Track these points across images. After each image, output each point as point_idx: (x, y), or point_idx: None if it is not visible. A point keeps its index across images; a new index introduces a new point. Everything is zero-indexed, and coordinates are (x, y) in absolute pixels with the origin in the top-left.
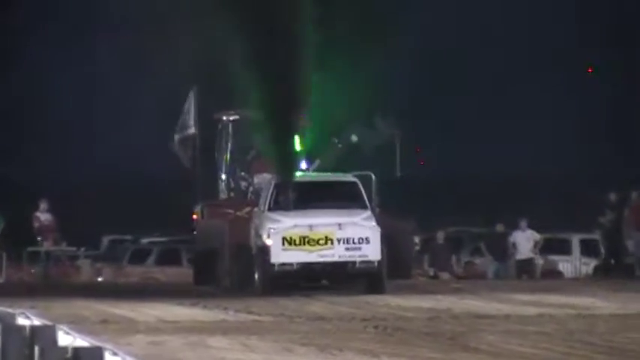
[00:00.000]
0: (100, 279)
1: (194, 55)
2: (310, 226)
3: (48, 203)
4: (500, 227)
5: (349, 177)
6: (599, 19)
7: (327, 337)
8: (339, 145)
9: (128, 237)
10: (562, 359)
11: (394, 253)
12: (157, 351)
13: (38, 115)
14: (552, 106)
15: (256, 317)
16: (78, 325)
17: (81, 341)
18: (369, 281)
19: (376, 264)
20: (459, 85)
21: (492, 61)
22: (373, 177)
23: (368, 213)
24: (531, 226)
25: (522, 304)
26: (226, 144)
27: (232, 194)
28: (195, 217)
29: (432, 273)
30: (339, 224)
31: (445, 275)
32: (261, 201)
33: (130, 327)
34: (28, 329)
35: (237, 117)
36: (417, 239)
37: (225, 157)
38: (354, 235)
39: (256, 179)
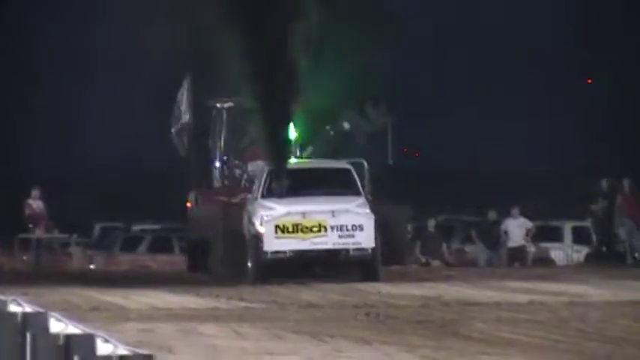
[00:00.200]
0: (91, 266)
1: (187, 43)
2: (303, 214)
3: (40, 190)
4: (492, 215)
5: (343, 164)
6: (595, 18)
7: (318, 324)
8: (331, 133)
9: (120, 224)
10: (553, 347)
11: (389, 239)
12: (148, 338)
13: (30, 103)
14: (546, 97)
15: (248, 304)
16: (70, 312)
17: (73, 328)
18: (363, 269)
19: (370, 251)
20: (453, 75)
21: (487, 51)
22: (365, 164)
23: (362, 200)
24: (523, 214)
25: (514, 291)
26: (220, 131)
27: (226, 182)
28: (189, 204)
29: (423, 260)
30: (333, 211)
31: (436, 262)
32: (254, 188)
33: (121, 314)
34: (19, 316)
35: (231, 104)
36: (408, 227)
37: (219, 144)
38: (347, 222)
39: (250, 166)
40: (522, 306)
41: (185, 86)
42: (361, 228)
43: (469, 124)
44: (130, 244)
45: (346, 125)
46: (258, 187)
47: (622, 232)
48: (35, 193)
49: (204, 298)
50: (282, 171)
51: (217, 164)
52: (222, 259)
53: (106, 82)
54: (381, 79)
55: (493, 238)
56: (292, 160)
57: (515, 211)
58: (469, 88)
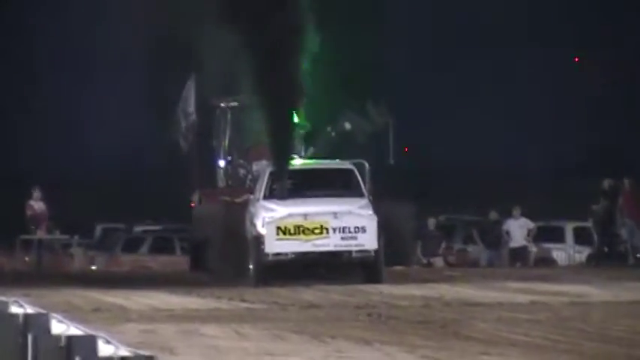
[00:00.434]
0: (93, 267)
1: (189, 42)
2: (305, 215)
3: (41, 191)
4: (493, 215)
5: (346, 164)
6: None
7: (319, 324)
8: (332, 134)
9: (121, 225)
10: (554, 347)
11: (393, 239)
12: (149, 339)
13: (31, 104)
14: (545, 95)
15: (249, 305)
16: (71, 313)
17: (74, 329)
18: (365, 271)
19: (373, 253)
20: (453, 74)
21: (487, 49)
22: (367, 165)
23: (365, 201)
24: (525, 214)
25: (515, 291)
26: (224, 131)
27: (230, 182)
28: (192, 204)
29: (425, 261)
30: (335, 213)
31: (438, 261)
32: (257, 189)
33: (123, 315)
34: (21, 317)
35: (235, 103)
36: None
37: (223, 144)
38: (349, 224)
39: (255, 166)
40: (524, 306)
41: (190, 85)
42: (364, 230)
43: (469, 123)
44: (132, 245)
45: (347, 125)
46: (260, 188)
47: (624, 233)
48: (36, 194)
49: (205, 298)
50: (284, 172)
51: (221, 164)
52: (225, 260)
53: (106, 82)
54: (381, 78)
55: (494, 238)
56: (295, 161)
57: (516, 211)
58: (469, 87)
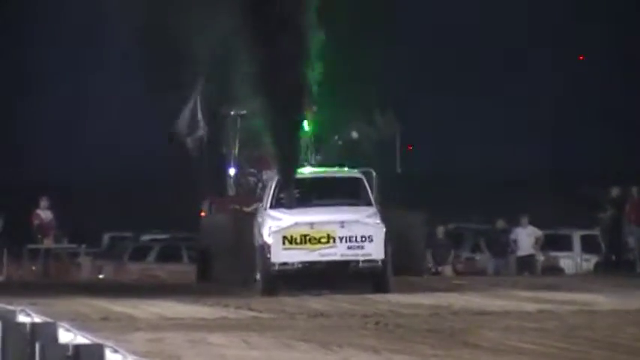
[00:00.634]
0: (100, 276)
1: (196, 51)
2: (311, 224)
3: (48, 200)
4: (500, 224)
5: (354, 173)
6: (596, 17)
7: (327, 333)
8: (340, 142)
9: (129, 234)
10: (562, 355)
11: (405, 249)
12: (157, 348)
13: (39, 113)
14: (552, 103)
15: (257, 314)
16: (78, 322)
17: (82, 338)
18: (373, 281)
19: (380, 263)
20: (460, 82)
21: (494, 57)
22: (374, 174)
23: (373, 210)
24: (532, 223)
25: (523, 300)
26: (234, 139)
27: (241, 190)
28: (203, 213)
29: (434, 269)
30: (342, 222)
31: (447, 269)
32: (264, 198)
33: (130, 324)
34: (28, 326)
35: (245, 111)
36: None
37: (233, 152)
38: (356, 233)
39: (265, 175)
40: (531, 315)
41: (198, 91)
42: (371, 239)
43: (477, 132)
44: (139, 253)
45: (354, 134)
46: (267, 197)
47: (631, 241)
48: (44, 203)
49: (212, 307)
50: (291, 181)
51: (231, 172)
52: (232, 271)
53: (113, 91)
54: (389, 87)
55: (501, 246)
56: (304, 170)
57: (524, 219)
58: (478, 96)
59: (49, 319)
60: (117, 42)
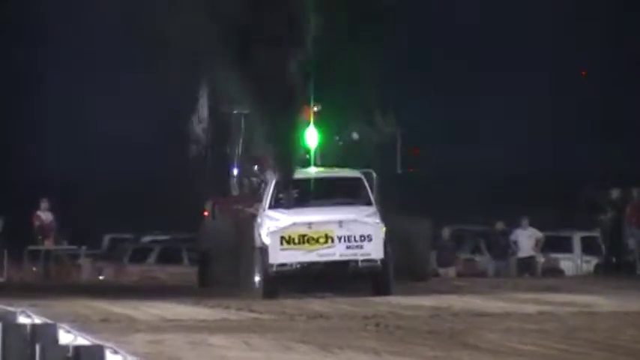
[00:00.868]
0: (101, 277)
1: (197, 51)
2: (309, 224)
3: (49, 202)
4: (500, 225)
5: (354, 172)
6: (596, 18)
7: (327, 335)
8: (340, 143)
9: (129, 235)
10: (562, 357)
11: (411, 255)
12: (157, 350)
13: (39, 113)
14: (552, 104)
15: (257, 315)
16: (79, 323)
17: (82, 340)
18: (373, 282)
19: (379, 263)
20: (459, 83)
21: (492, 57)
22: (374, 175)
23: (372, 209)
24: (533, 224)
25: (523, 301)
26: (237, 139)
27: (244, 190)
28: (206, 213)
29: (435, 271)
30: (340, 222)
31: (452, 271)
32: (263, 199)
33: (130, 326)
34: (28, 327)
35: (248, 111)
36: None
37: (236, 152)
38: (355, 232)
39: (268, 175)
40: (531, 316)
41: (203, 92)
42: (370, 238)
43: (477, 133)
44: (139, 255)
45: (355, 135)
46: (266, 197)
47: (631, 243)
48: (44, 204)
49: (213, 309)
50: (289, 181)
51: (235, 172)
52: (234, 275)
53: (114, 92)
54: (389, 88)
55: (501, 248)
56: (305, 170)
57: (524, 221)
58: (478, 97)
59: (49, 321)
60: (118, 42)
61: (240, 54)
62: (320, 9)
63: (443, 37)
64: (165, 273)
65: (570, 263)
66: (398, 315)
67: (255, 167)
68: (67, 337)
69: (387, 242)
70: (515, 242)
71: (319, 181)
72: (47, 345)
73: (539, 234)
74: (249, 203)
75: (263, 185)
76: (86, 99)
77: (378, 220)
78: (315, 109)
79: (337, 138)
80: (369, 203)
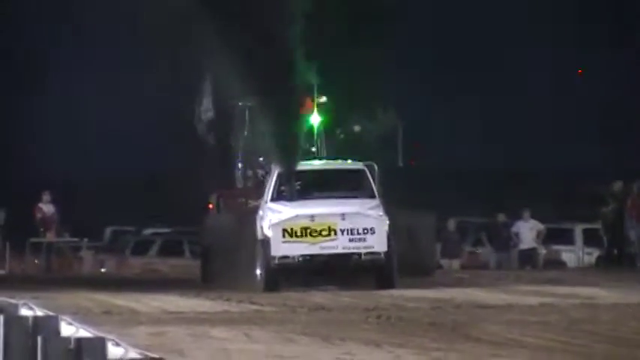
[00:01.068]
0: (102, 270)
1: (197, 46)
2: (312, 217)
3: (51, 194)
4: (501, 217)
5: (357, 164)
6: (594, 19)
7: (329, 327)
8: (342, 136)
9: (131, 228)
10: (564, 349)
11: (415, 248)
12: (159, 342)
13: (41, 107)
14: (556, 97)
15: (259, 308)
16: (81, 315)
17: (84, 332)
18: (376, 275)
19: (383, 256)
20: (461, 77)
21: (495, 51)
22: (376, 167)
23: (376, 202)
24: (534, 217)
25: (525, 294)
26: (242, 131)
27: (249, 183)
28: (210, 205)
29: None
30: (343, 214)
31: (456, 263)
32: (265, 191)
33: (132, 318)
34: (30, 320)
35: (253, 103)
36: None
37: (241, 144)
38: (358, 225)
39: (274, 167)
40: (533, 308)
41: (208, 81)
42: (373, 231)
43: (478, 126)
44: (141, 247)
45: (357, 128)
46: (268, 189)
47: (632, 235)
48: (46, 197)
49: (214, 301)
50: (292, 173)
51: (240, 165)
52: (237, 269)
53: (115, 84)
54: (390, 81)
55: (502, 240)
56: (308, 162)
57: (526, 213)
58: (479, 89)
59: (51, 313)
60: (118, 35)
61: (242, 47)
62: (322, 5)
63: (448, 34)
64: (167, 265)
65: (572, 255)
66: (400, 307)
67: (261, 159)
68: (68, 330)
69: (391, 235)
70: (517, 234)
71: (322, 173)
72: (49, 337)
73: (540, 226)
74: (255, 196)
75: (268, 177)
76: (88, 92)
77: (381, 213)
78: (321, 100)
79: (339, 130)
80: (372, 196)
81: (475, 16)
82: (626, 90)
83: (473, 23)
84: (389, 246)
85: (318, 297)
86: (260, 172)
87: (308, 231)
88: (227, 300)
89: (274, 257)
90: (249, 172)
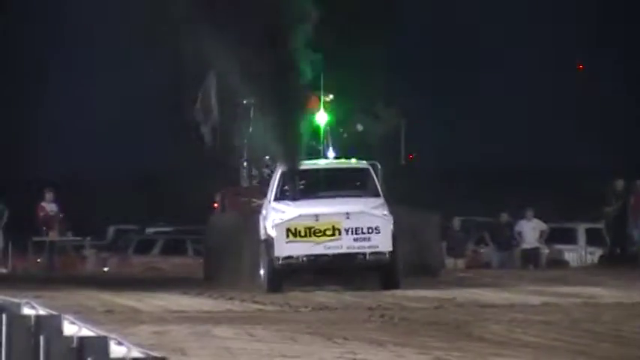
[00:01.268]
0: (105, 269)
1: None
2: (316, 216)
3: (53, 193)
4: (504, 217)
5: (362, 163)
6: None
7: (331, 326)
8: (345, 135)
9: (133, 227)
10: (567, 348)
11: (421, 248)
12: (162, 340)
13: (44, 106)
14: (557, 96)
15: (261, 307)
16: (83, 314)
17: (86, 331)
18: (381, 275)
19: (388, 255)
20: (463, 76)
21: (497, 49)
22: (379, 166)
23: (380, 201)
24: (537, 216)
25: (527, 293)
26: (247, 129)
27: (254, 182)
28: (215, 204)
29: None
30: (347, 213)
31: (461, 262)
32: (268, 191)
33: (135, 317)
34: (33, 319)
35: (257, 101)
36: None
37: (246, 143)
38: (363, 224)
39: (277, 166)
40: (536, 307)
41: (211, 78)
42: (378, 230)
43: (480, 124)
44: (144, 246)
45: (359, 127)
46: (271, 189)
47: (635, 234)
48: (49, 195)
49: (217, 300)
50: (295, 172)
51: (245, 164)
52: (240, 270)
53: (119, 83)
54: (393, 80)
55: (505, 239)
56: (311, 161)
57: (529, 212)
58: (481, 88)
59: (53, 312)
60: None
61: (246, 46)
62: (324, 2)
63: (449, 32)
64: (170, 264)
65: (575, 255)
66: (403, 306)
67: (267, 157)
68: (71, 329)
69: (396, 235)
70: (520, 233)
71: (326, 172)
72: (51, 336)
73: (543, 225)
74: (260, 195)
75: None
76: (91, 89)
77: (386, 212)
78: (328, 98)
79: (341, 129)
80: (376, 195)
81: (475, 16)
82: (628, 87)
83: (473, 23)
84: (394, 246)
85: (321, 296)
86: (265, 171)
87: (312, 231)
88: (230, 299)
89: (278, 258)
90: (255, 171)
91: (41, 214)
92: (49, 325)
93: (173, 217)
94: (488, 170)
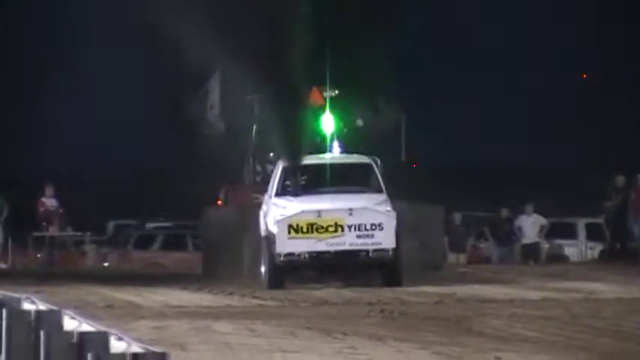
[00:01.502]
0: (105, 264)
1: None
2: (319, 212)
3: (53, 188)
4: (504, 212)
5: (364, 158)
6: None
7: (331, 321)
8: (345, 130)
9: (133, 222)
10: (567, 343)
11: (424, 244)
12: (162, 336)
13: (43, 101)
14: (558, 92)
15: (261, 302)
16: (83, 309)
17: (86, 326)
18: (383, 272)
19: (391, 252)
20: (463, 72)
21: (497, 48)
22: (379, 162)
23: (383, 197)
24: (537, 211)
25: (527, 288)
26: (251, 125)
27: (258, 178)
28: (219, 201)
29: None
30: (350, 209)
31: (463, 257)
32: (270, 186)
33: (135, 312)
34: (33, 314)
35: (260, 96)
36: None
37: (250, 138)
38: (366, 221)
39: (279, 161)
40: (536, 303)
41: (217, 76)
42: (381, 227)
43: (480, 120)
44: (144, 241)
45: (359, 122)
46: (273, 184)
47: (635, 229)
48: (49, 191)
49: (217, 295)
50: (297, 167)
51: (249, 160)
52: (239, 265)
53: (118, 79)
54: (394, 75)
55: (505, 234)
56: (313, 156)
57: (529, 208)
58: (481, 83)
59: (53, 307)
60: (123, 27)
61: (249, 41)
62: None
63: (451, 29)
64: (170, 259)
65: (575, 250)
66: (402, 301)
67: (271, 154)
68: (71, 324)
69: (399, 231)
70: (520, 228)
71: (328, 167)
72: (52, 331)
73: (543, 220)
74: (263, 191)
75: None
76: (91, 85)
77: (389, 208)
78: (333, 94)
79: (341, 125)
80: (379, 190)
81: (476, 16)
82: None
83: (478, 17)
84: (397, 243)
85: (321, 292)
86: (269, 167)
87: (314, 227)
88: (229, 294)
89: (279, 254)
90: (259, 167)
91: (41, 209)
92: (50, 321)
93: (173, 212)
94: (488, 165)
